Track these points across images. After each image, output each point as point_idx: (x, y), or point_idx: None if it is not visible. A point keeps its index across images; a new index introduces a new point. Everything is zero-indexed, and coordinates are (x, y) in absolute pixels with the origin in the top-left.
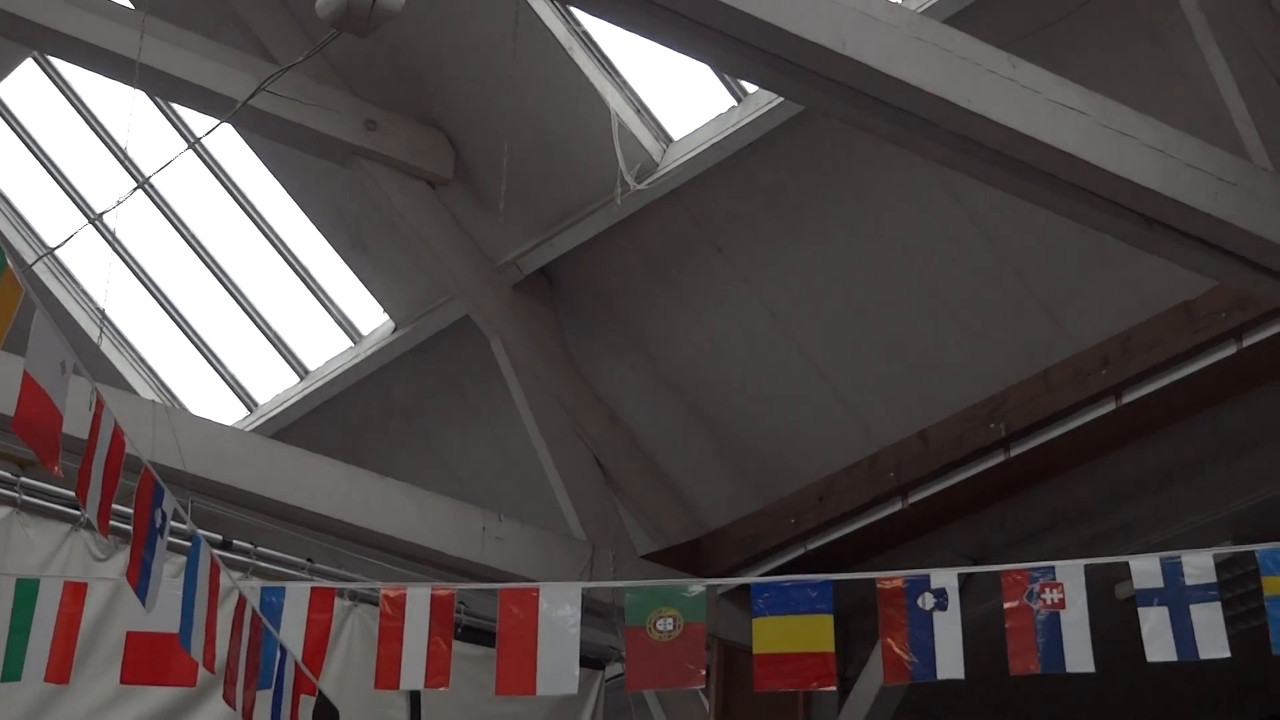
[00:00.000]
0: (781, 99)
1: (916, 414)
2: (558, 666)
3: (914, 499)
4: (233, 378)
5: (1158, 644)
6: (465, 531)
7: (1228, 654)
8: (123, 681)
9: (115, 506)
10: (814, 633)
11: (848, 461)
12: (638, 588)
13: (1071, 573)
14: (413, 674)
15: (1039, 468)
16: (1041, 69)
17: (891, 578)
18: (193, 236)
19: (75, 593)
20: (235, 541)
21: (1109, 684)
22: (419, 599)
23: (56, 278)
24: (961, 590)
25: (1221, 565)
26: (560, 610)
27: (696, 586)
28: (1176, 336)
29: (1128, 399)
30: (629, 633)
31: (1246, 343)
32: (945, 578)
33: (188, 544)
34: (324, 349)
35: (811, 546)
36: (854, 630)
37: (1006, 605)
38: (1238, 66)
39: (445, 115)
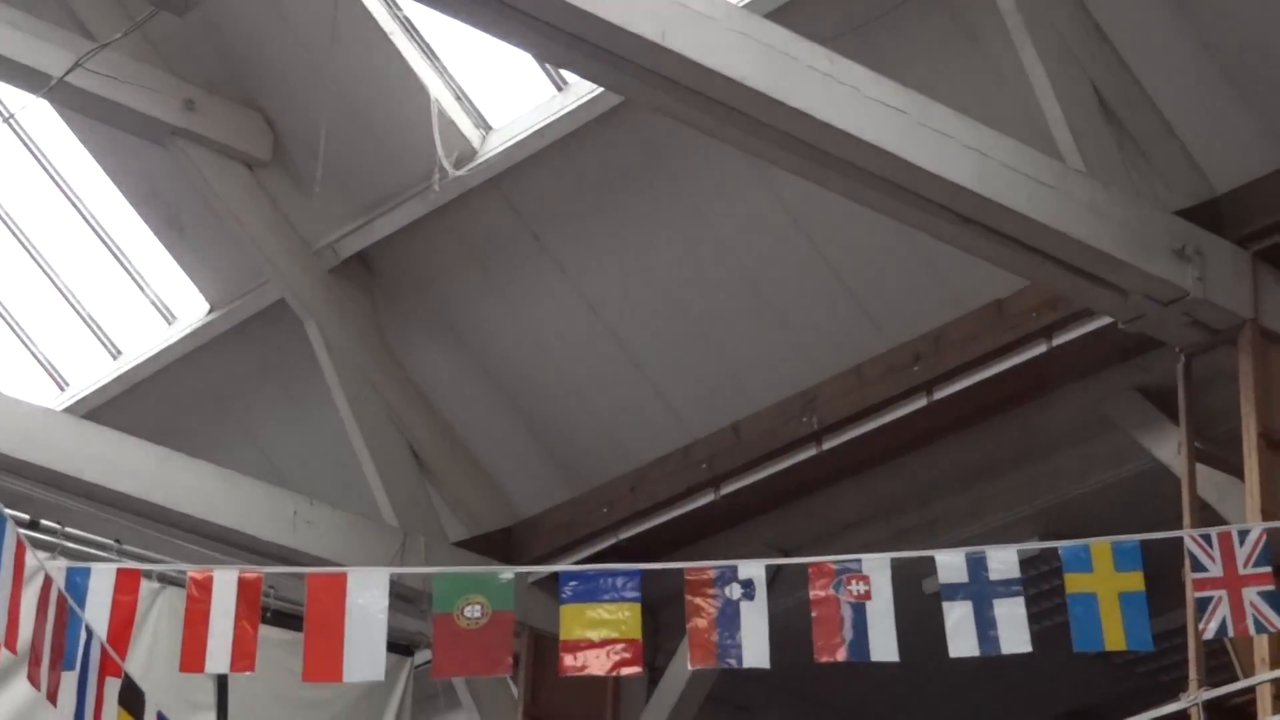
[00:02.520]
0: (602, 89)
1: (730, 406)
2: (365, 652)
3: (726, 491)
4: (44, 357)
5: (961, 639)
6: (277, 516)
7: (1029, 649)
8: None
9: None
10: (621, 621)
11: (661, 452)
12: (447, 574)
13: (878, 566)
14: (218, 657)
15: (850, 462)
16: (860, 66)
17: (700, 568)
18: (5, 213)
19: None
20: (43, 521)
21: (915, 678)
22: (226, 582)
23: None
24: (771, 582)
25: (1027, 562)
26: (368, 596)
27: (505, 574)
28: (988, 334)
29: (939, 395)
30: (437, 619)
31: (1056, 342)
32: (753, 569)
33: None
34: (138, 330)
35: (623, 536)
36: (664, 621)
37: (813, 595)
38: (1054, 69)
39: (264, 97)
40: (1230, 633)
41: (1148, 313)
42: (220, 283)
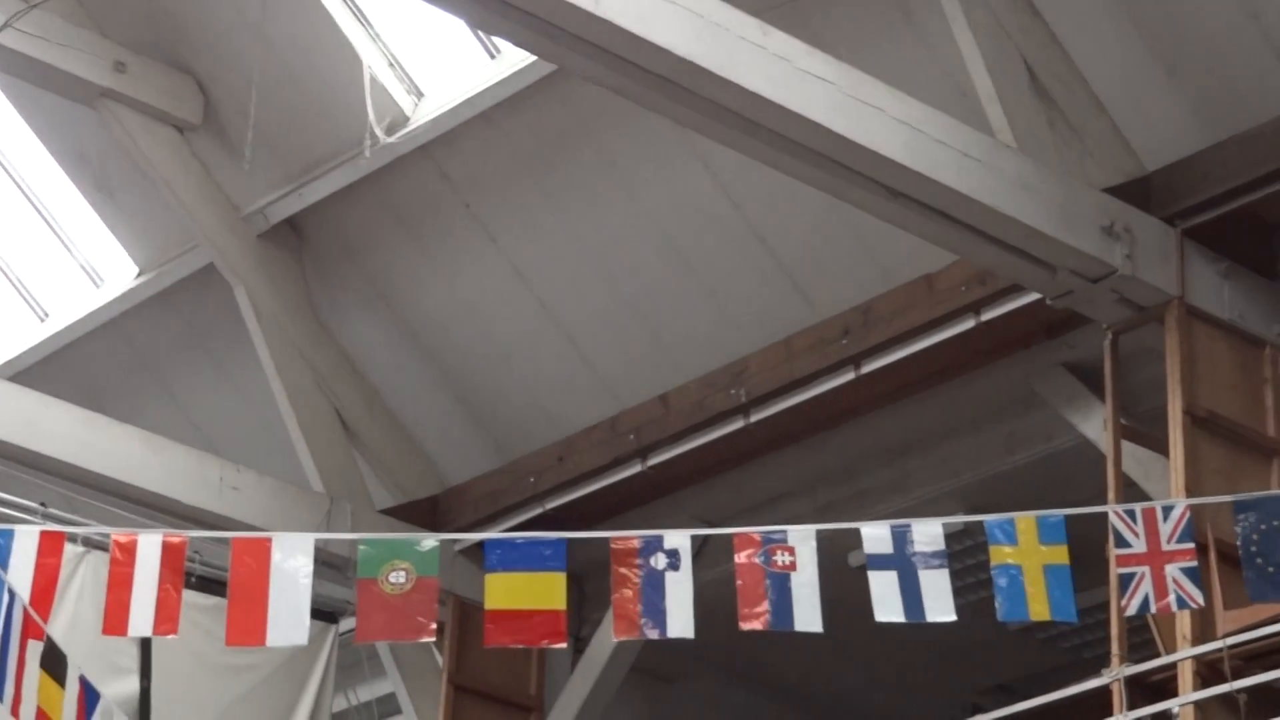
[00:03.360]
0: (535, 58)
1: (659, 377)
2: (288, 618)
3: (654, 462)
4: None
5: (886, 605)
6: (202, 481)
7: (954, 618)
8: None
9: None
10: (546, 590)
11: (589, 423)
12: (371, 540)
13: (803, 537)
14: (141, 620)
15: (778, 434)
16: (793, 38)
17: (625, 538)
18: None
19: None
20: None
21: (840, 651)
22: (150, 545)
23: None
24: (697, 554)
25: (953, 537)
26: (293, 561)
27: (430, 541)
28: (917, 309)
29: (867, 369)
30: (361, 584)
31: (985, 317)
32: (678, 539)
33: None
34: (66, 293)
35: (550, 506)
36: (590, 591)
37: (738, 565)
38: (986, 45)
39: (196, 60)
40: (1153, 608)
41: (1076, 289)
42: (149, 247)
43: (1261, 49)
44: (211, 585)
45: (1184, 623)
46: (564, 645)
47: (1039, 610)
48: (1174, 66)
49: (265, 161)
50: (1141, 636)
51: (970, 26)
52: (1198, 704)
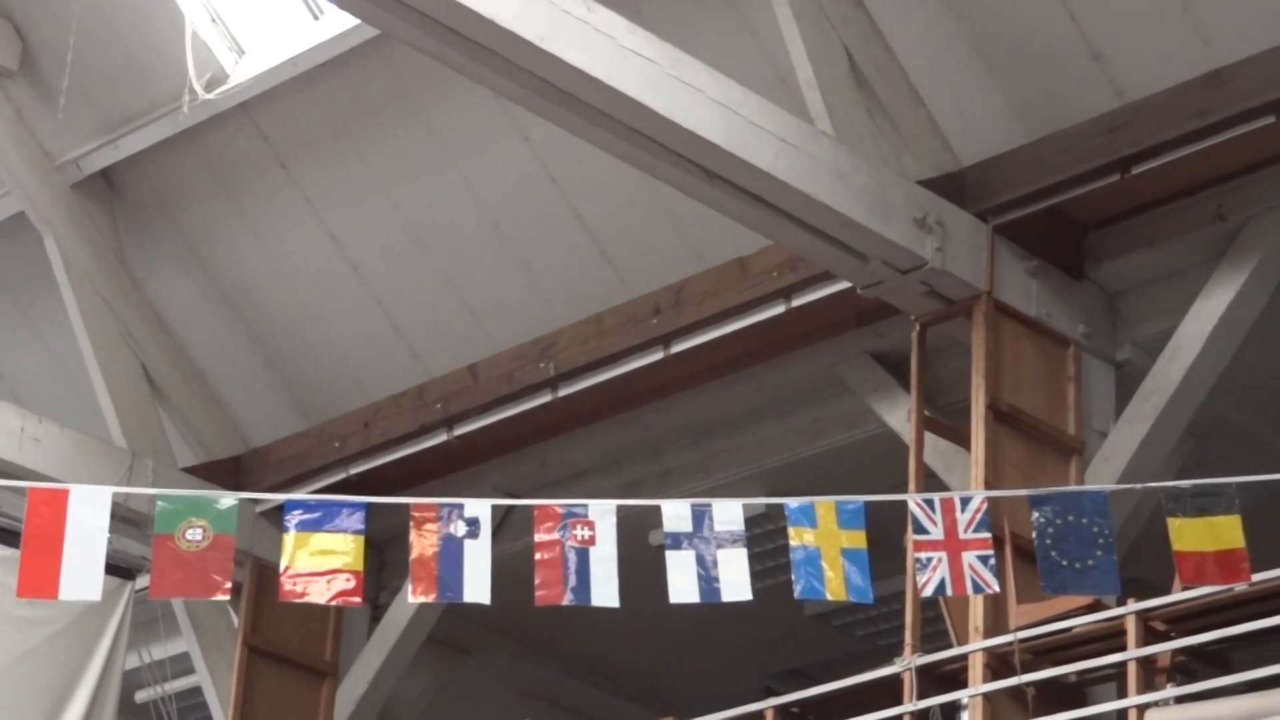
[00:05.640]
0: (358, 21)
1: (468, 348)
2: (83, 571)
3: (460, 431)
4: None
5: (682, 585)
6: (3, 430)
7: (750, 598)
8: None
9: None
10: (344, 552)
11: (397, 389)
12: (169, 496)
13: (604, 512)
14: None
15: (585, 410)
16: (616, 14)
17: (426, 504)
18: None
19: None
20: None
21: (638, 629)
22: None
23: None
24: (500, 526)
25: (754, 521)
26: (90, 515)
27: (228, 500)
28: (728, 291)
29: (676, 349)
30: (157, 540)
31: (795, 303)
32: (479, 507)
33: None
34: None
35: (354, 471)
36: (389, 559)
37: (538, 538)
38: (808, 32)
39: (14, 5)
40: (949, 591)
41: (886, 279)
42: None
43: (1080, 50)
44: (7, 536)
45: (976, 615)
46: (359, 604)
47: (836, 590)
48: (993, 63)
49: (82, 112)
50: (935, 628)
51: (794, 13)
52: (986, 696)
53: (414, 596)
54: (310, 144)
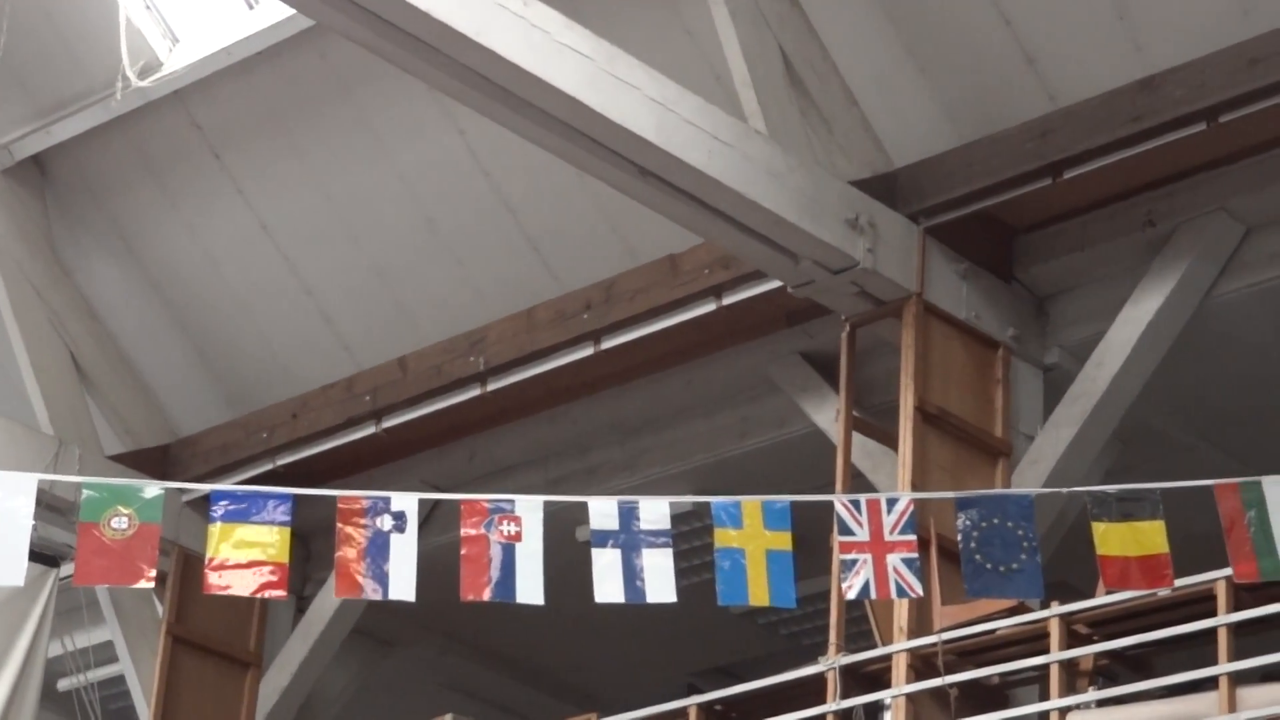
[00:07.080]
0: (293, 12)
1: (398, 340)
2: (6, 558)
3: (388, 424)
4: None
5: (607, 585)
6: None
7: (675, 600)
8: None
9: None
10: (270, 543)
11: (326, 381)
12: (95, 484)
13: (531, 508)
14: None
15: (513, 405)
16: (552, 10)
17: (353, 497)
18: None
19: None
20: None
21: (563, 625)
22: None
23: None
24: (427, 520)
25: (680, 518)
26: (14, 501)
27: (154, 488)
28: (659, 288)
29: (606, 345)
30: (81, 528)
31: (726, 301)
32: (406, 501)
33: None
34: None
35: (281, 462)
36: (315, 551)
37: (464, 533)
38: (743, 30)
39: None
40: (873, 594)
41: (816, 279)
42: None
43: (1013, 54)
44: None
45: (901, 616)
46: (284, 596)
47: (759, 595)
48: (927, 65)
49: (13, 96)
50: (860, 627)
51: (730, 12)
52: (910, 696)
53: (339, 593)
54: (243, 134)
